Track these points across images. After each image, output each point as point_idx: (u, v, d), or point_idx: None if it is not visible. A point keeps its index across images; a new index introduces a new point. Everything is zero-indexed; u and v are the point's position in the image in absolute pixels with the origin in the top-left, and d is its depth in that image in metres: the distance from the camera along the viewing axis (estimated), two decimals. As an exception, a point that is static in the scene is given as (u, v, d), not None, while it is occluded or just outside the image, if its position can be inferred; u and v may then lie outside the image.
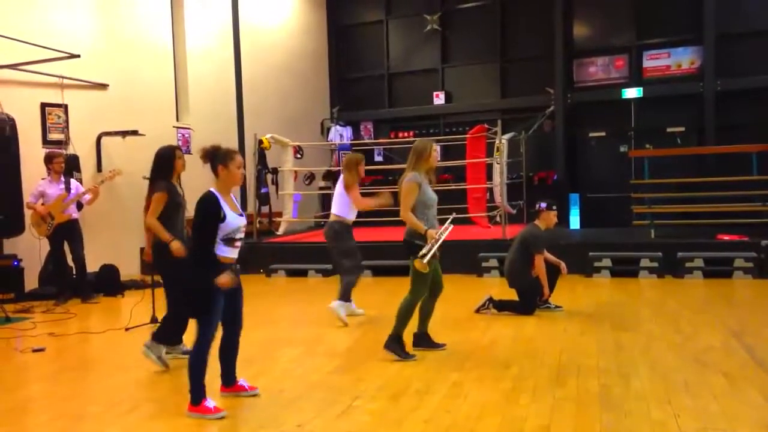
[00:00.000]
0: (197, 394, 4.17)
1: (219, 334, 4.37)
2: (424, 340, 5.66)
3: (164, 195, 5.34)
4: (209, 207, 4.19)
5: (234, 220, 4.25)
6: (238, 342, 4.51)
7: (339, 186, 7.02)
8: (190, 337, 5.63)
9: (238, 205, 4.42)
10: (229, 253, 4.27)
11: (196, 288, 4.19)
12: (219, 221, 4.17)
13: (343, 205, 6.90)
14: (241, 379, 4.57)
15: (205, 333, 4.20)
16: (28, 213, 8.39)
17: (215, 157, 4.30)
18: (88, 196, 8.46)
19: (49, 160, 8.45)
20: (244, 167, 4.48)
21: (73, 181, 8.66)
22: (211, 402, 4.18)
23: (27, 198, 8.40)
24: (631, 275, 9.25)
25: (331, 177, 14.16)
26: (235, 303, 4.40)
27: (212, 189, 4.27)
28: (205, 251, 4.18)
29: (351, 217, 6.96)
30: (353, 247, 6.96)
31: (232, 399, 4.45)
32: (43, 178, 8.48)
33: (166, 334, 5.39)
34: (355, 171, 6.90)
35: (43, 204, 8.28)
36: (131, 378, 5.13)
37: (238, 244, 4.32)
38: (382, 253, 10.09)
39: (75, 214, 8.55)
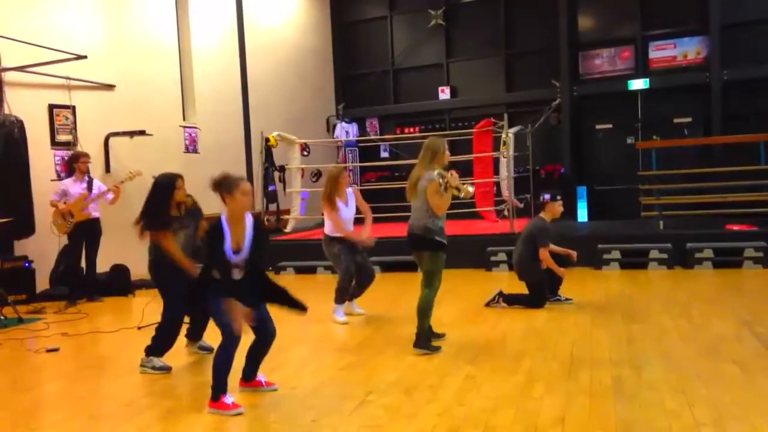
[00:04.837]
0: (217, 390, 4.22)
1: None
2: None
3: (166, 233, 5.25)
4: (212, 238, 4.27)
5: (227, 253, 4.25)
6: (267, 348, 4.56)
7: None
8: (208, 333, 5.70)
9: (247, 239, 4.33)
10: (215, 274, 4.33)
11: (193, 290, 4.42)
12: (221, 252, 4.24)
13: (326, 222, 6.86)
14: (260, 375, 4.60)
15: (225, 335, 4.25)
16: (50, 211, 8.43)
17: (221, 186, 4.30)
18: (110, 196, 8.50)
19: (75, 159, 8.54)
20: (252, 193, 4.52)
21: (95, 181, 8.70)
22: (229, 398, 4.22)
23: (51, 196, 8.43)
24: (641, 267, 9.23)
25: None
26: (258, 312, 4.42)
27: (223, 217, 4.30)
28: (209, 273, 4.32)
29: (336, 234, 6.80)
30: (337, 254, 6.82)
31: (247, 395, 4.48)
32: (52, 179, 8.52)
33: (157, 346, 5.34)
34: (333, 188, 6.73)
35: (65, 203, 8.33)
36: (145, 376, 5.16)
37: (233, 274, 4.32)
38: (389, 248, 10.09)
39: (95, 213, 8.58)
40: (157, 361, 5.29)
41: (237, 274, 4.34)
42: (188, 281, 4.97)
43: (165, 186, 5.28)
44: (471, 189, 5.43)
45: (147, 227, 5.26)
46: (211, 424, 4.01)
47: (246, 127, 12.79)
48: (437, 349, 5.42)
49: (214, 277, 4.29)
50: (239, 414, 4.13)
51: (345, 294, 6.93)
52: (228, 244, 4.25)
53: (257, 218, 4.47)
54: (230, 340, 4.24)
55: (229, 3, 12.64)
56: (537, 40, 14.42)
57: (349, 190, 6.94)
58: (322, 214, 6.97)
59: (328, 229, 6.89)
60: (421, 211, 5.47)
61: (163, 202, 5.24)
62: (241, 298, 4.31)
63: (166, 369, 5.25)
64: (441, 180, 5.30)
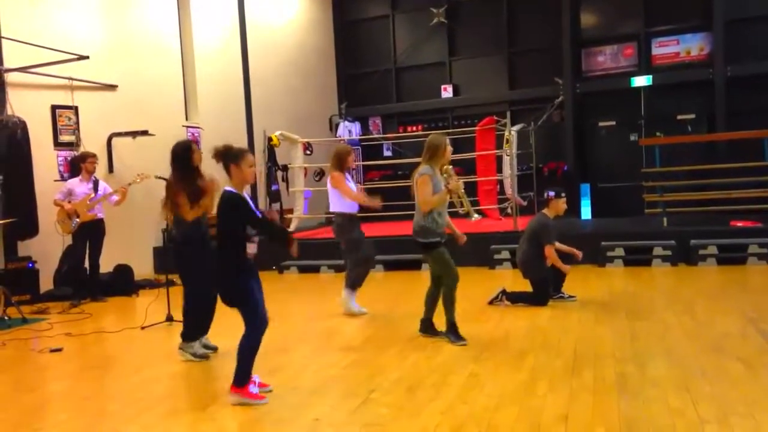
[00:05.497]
0: (243, 377, 4.27)
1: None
2: (429, 328, 5.76)
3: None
4: (239, 205, 4.29)
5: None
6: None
7: (329, 183, 7.02)
8: (212, 332, 5.70)
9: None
10: (249, 249, 4.38)
11: (231, 282, 4.34)
12: (250, 216, 4.29)
13: (338, 200, 6.89)
14: (255, 376, 4.58)
15: (252, 321, 4.31)
16: (54, 211, 8.45)
17: (227, 156, 4.38)
18: (115, 198, 8.53)
19: (82, 159, 8.60)
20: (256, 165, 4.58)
21: (101, 182, 8.73)
22: (254, 388, 4.30)
23: (56, 195, 8.46)
24: (645, 264, 9.20)
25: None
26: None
27: (230, 188, 4.35)
28: (239, 249, 4.32)
29: (351, 210, 6.88)
30: (358, 239, 6.90)
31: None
32: (55, 180, 8.53)
33: (191, 330, 5.52)
34: (342, 164, 6.86)
35: (69, 202, 8.35)
36: (149, 376, 5.16)
37: (256, 239, 4.40)
38: (392, 247, 10.09)
39: (100, 214, 8.61)
40: (198, 348, 5.48)
41: (252, 248, 4.40)
42: (211, 268, 5.04)
43: (183, 150, 5.53)
44: (475, 215, 5.48)
45: (177, 186, 5.40)
46: (214, 423, 4.01)
47: (249, 126, 12.78)
48: (461, 340, 5.48)
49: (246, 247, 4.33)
50: (263, 404, 4.22)
51: (358, 285, 6.94)
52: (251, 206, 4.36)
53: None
54: (255, 328, 4.31)
55: (231, 2, 12.63)
56: (539, 37, 14.38)
57: (347, 176, 7.04)
58: (329, 181, 6.94)
59: (343, 206, 6.86)
60: (416, 209, 5.52)
61: (186, 164, 5.46)
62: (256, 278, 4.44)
63: (205, 357, 5.44)
64: (444, 176, 5.35)
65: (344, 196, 6.82)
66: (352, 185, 6.96)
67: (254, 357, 4.33)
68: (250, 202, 4.37)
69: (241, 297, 4.32)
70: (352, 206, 6.90)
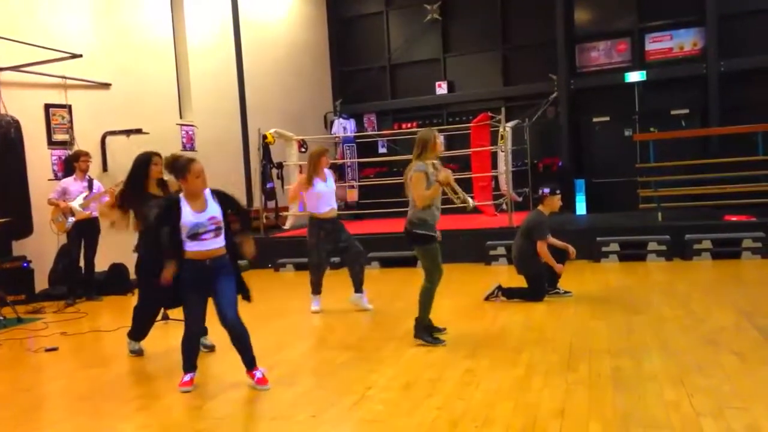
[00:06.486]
0: (184, 365, 4.62)
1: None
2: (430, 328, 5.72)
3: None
4: (160, 210, 4.56)
5: (188, 217, 4.43)
6: (237, 336, 4.54)
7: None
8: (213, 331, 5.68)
9: (212, 202, 4.54)
10: (196, 247, 4.46)
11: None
12: (169, 222, 4.43)
13: (308, 201, 6.97)
14: (259, 370, 4.59)
15: (184, 317, 4.60)
16: (48, 210, 8.43)
17: (173, 170, 4.54)
18: (105, 198, 8.51)
19: (75, 158, 8.60)
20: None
21: (95, 181, 8.72)
22: (188, 376, 4.61)
23: (50, 194, 8.44)
24: (639, 259, 9.23)
25: (336, 170, 14.17)
26: (217, 299, 4.54)
27: (181, 195, 4.51)
28: (174, 243, 4.51)
29: (318, 210, 6.91)
30: (312, 243, 6.96)
31: (248, 391, 4.48)
32: (50, 179, 8.50)
33: (134, 330, 5.75)
34: (313, 167, 6.88)
35: (64, 201, 8.34)
36: (145, 374, 5.17)
37: (206, 237, 4.41)
38: (388, 244, 10.11)
39: (95, 213, 8.59)
40: (134, 345, 5.70)
41: (211, 242, 4.46)
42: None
43: (141, 162, 5.67)
44: (471, 202, 5.45)
45: (123, 200, 5.60)
46: (212, 420, 4.01)
47: (243, 124, 12.75)
48: (436, 340, 5.42)
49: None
50: (188, 391, 4.52)
51: (318, 286, 7.05)
52: (188, 209, 4.43)
53: (215, 189, 4.64)
54: (186, 326, 4.58)
55: (225, 0, 12.59)
56: (534, 33, 14.36)
57: (328, 171, 7.08)
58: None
59: (311, 206, 6.96)
60: (410, 204, 5.49)
61: (139, 174, 5.63)
62: (204, 284, 4.52)
63: (140, 353, 5.67)
64: (433, 170, 5.32)
65: (290, 191, 7.02)
66: (320, 186, 6.88)
67: (187, 352, 4.59)
68: (183, 209, 4.43)
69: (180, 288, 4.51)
70: (321, 207, 6.92)
